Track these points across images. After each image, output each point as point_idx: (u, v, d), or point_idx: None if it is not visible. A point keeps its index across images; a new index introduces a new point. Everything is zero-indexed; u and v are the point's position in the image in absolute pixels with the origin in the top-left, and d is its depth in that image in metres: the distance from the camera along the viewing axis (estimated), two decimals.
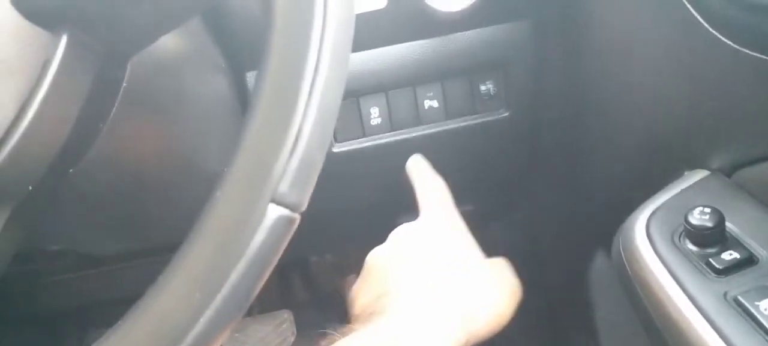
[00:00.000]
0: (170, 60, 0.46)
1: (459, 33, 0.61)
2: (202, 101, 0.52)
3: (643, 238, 0.44)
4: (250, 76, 0.62)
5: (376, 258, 0.51)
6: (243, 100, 0.61)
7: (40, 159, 0.30)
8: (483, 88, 0.65)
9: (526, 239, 0.91)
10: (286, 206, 0.24)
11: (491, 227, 0.85)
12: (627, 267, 0.44)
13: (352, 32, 0.25)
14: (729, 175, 0.45)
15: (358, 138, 0.64)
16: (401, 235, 0.52)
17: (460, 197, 0.58)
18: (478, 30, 0.62)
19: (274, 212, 0.24)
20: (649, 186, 0.48)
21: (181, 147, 0.49)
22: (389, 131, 0.65)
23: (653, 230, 0.44)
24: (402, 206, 0.59)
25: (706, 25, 0.41)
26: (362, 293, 0.50)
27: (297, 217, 0.25)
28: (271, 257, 0.25)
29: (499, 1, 0.59)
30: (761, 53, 0.38)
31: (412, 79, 0.63)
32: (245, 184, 0.24)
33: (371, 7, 0.57)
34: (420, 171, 0.60)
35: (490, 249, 0.53)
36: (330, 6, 0.24)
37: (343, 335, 0.44)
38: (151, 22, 0.31)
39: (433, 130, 0.66)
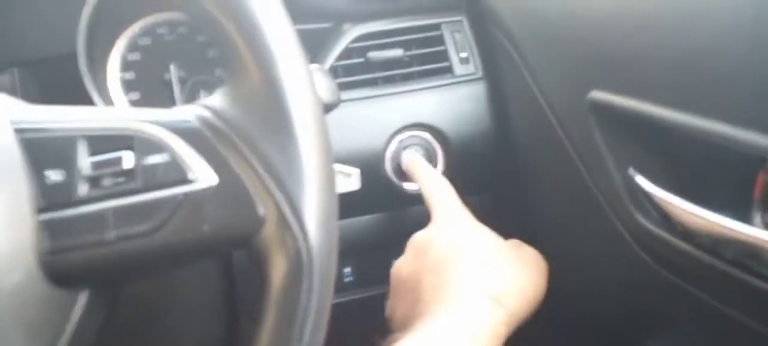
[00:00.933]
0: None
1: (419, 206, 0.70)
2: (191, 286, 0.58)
3: None
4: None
5: (400, 270, 0.53)
6: (228, 279, 0.68)
7: None
8: None
9: None
10: None
11: None
12: None
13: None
14: None
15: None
16: (420, 241, 0.53)
17: None
18: None
19: None
20: None
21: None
22: (360, 287, 0.72)
23: None
24: None
25: (637, 247, 0.49)
26: (397, 308, 0.52)
27: None
28: None
29: (459, 180, 0.68)
30: (664, 270, 0.46)
31: (381, 243, 0.71)
32: None
33: (347, 189, 0.66)
34: (422, 172, 0.62)
35: None
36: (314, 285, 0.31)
37: None
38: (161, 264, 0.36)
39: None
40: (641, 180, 0.46)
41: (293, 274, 0.30)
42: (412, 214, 0.71)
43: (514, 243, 0.54)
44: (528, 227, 0.68)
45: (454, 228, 0.53)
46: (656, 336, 0.53)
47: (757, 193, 0.37)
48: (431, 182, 0.59)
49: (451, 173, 0.67)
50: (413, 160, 0.64)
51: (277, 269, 0.31)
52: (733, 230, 0.37)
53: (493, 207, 0.73)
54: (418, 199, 0.69)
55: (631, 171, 0.47)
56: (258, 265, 0.32)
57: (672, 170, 0.45)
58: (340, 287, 0.72)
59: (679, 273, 0.45)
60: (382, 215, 0.70)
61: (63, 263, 0.29)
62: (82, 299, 0.31)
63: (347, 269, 0.72)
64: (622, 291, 0.55)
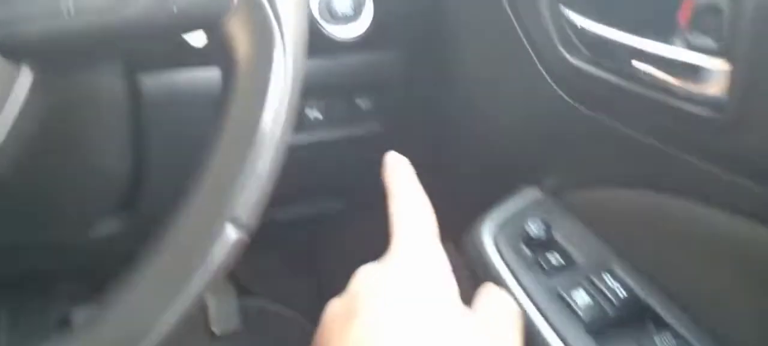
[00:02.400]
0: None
1: (345, 56, 0.70)
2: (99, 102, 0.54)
3: (490, 241, 0.55)
4: (144, 77, 0.64)
5: (332, 314, 0.39)
6: (136, 101, 0.64)
7: None
8: (361, 104, 0.74)
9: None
10: (240, 227, 0.30)
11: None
12: (475, 264, 0.55)
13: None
14: (557, 195, 0.57)
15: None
16: (362, 280, 0.39)
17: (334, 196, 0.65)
18: (360, 54, 0.70)
19: (231, 232, 0.30)
20: (494, 196, 0.60)
21: (78, 145, 0.51)
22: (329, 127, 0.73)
23: (498, 236, 0.55)
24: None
25: (549, 79, 0.52)
26: None
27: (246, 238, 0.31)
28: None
29: (383, 33, 0.68)
30: (582, 105, 0.50)
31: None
32: (208, 207, 0.30)
33: None
34: (399, 183, 0.45)
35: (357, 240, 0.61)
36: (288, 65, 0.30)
37: None
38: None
39: (314, 139, 0.73)
40: (573, 15, 0.48)
41: (263, 47, 0.29)
42: (335, 64, 0.70)
43: (484, 316, 0.40)
44: (449, 78, 0.71)
45: (408, 274, 0.39)
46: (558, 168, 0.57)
47: (683, 19, 0.41)
48: (405, 200, 0.44)
49: (376, 25, 0.67)
50: (393, 162, 0.47)
51: (246, 46, 0.29)
52: (660, 53, 0.41)
53: (412, 63, 0.73)
54: (344, 49, 0.68)
55: (563, 7, 0.49)
56: (225, 47, 0.30)
57: (603, 4, 0.48)
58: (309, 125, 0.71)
59: (598, 106, 0.49)
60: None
61: (19, 34, 0.27)
62: (28, 78, 0.29)
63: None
64: (534, 130, 0.59)
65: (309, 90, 0.69)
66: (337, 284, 0.41)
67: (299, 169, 0.68)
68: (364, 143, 0.76)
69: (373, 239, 0.61)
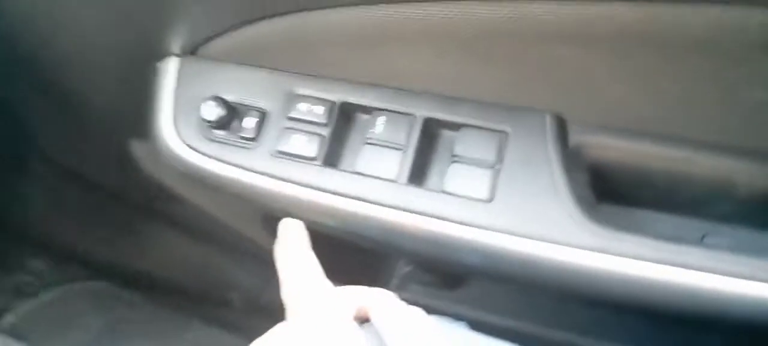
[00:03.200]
0: None
1: None
2: None
3: (174, 138, 0.50)
4: None
5: None
6: None
7: None
8: None
9: None
10: None
11: None
12: (173, 164, 0.51)
13: None
14: (194, 53, 0.53)
15: None
16: None
17: None
18: None
19: None
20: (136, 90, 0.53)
21: None
22: None
23: (179, 127, 0.51)
24: None
25: None
26: None
27: None
28: None
29: None
30: None
31: None
32: None
33: None
34: (289, 262, 0.47)
35: None
36: None
37: None
38: None
39: None
40: None
41: None
42: None
43: None
44: None
45: None
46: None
47: None
48: (293, 268, 0.45)
49: None
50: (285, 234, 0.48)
51: None
52: None
53: None
54: None
55: None
56: None
57: None
58: None
59: None
60: None
61: None
62: None
63: None
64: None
65: None
66: None
67: None
68: None
69: None
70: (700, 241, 0.45)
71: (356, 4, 0.41)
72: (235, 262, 0.98)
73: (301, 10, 0.44)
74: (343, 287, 0.44)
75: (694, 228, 0.46)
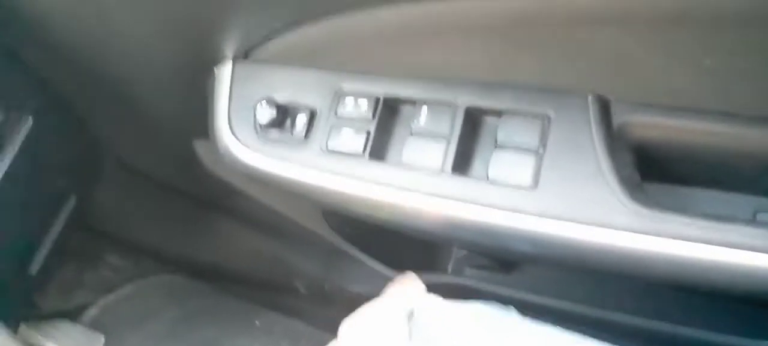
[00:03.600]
0: None
1: None
2: None
3: (231, 139, 0.53)
4: None
5: None
6: None
7: None
8: None
9: None
10: None
11: None
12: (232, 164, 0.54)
13: None
14: (247, 57, 0.56)
15: None
16: None
17: None
18: None
19: None
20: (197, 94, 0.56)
21: None
22: None
23: (236, 128, 0.54)
24: None
25: None
26: None
27: None
28: None
29: None
30: None
31: None
32: None
33: None
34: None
35: None
36: None
37: None
38: None
39: None
40: None
41: None
42: None
43: None
44: None
45: None
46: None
47: None
48: None
49: None
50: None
51: None
52: None
53: None
54: None
55: None
56: None
57: None
58: None
59: None
60: None
61: None
62: None
63: None
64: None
65: None
66: None
67: None
68: None
69: None
70: (752, 218, 0.44)
71: (395, 2, 0.42)
72: (299, 252, 1.02)
73: (345, 11, 0.46)
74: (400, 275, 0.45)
75: (745, 204, 0.45)
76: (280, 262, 1.03)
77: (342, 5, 0.45)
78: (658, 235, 0.40)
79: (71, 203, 0.79)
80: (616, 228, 0.41)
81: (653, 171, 0.46)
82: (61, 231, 0.78)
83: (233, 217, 0.97)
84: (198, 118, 0.60)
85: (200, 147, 0.76)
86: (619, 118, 0.44)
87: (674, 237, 0.39)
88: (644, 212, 0.40)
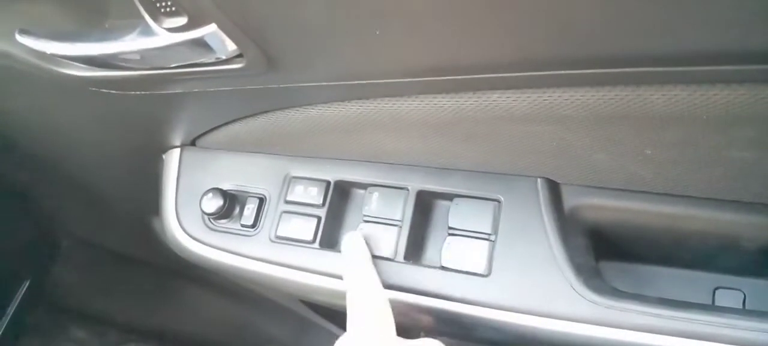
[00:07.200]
0: None
1: None
2: None
3: (177, 228, 0.52)
4: None
5: None
6: None
7: None
8: None
9: None
10: None
11: None
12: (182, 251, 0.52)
13: None
14: (195, 144, 0.54)
15: None
16: None
17: None
18: None
19: None
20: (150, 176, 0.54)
21: None
22: None
23: (183, 219, 0.52)
24: None
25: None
26: None
27: None
28: None
29: None
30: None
31: None
32: None
33: None
34: (354, 269, 0.44)
35: None
36: None
37: None
38: None
39: None
40: None
41: None
42: None
43: None
44: None
45: None
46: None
47: None
48: (358, 283, 0.43)
49: None
50: (349, 246, 0.45)
51: None
52: None
53: None
54: None
55: None
56: None
57: None
58: None
59: None
60: None
61: None
62: None
63: None
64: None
65: None
66: None
67: None
68: None
69: None
70: (711, 296, 0.44)
71: (331, 102, 0.41)
72: (268, 317, 0.99)
73: (286, 108, 0.45)
74: None
75: (705, 281, 0.44)
76: (250, 328, 1.00)
77: (279, 103, 0.44)
78: (613, 326, 0.39)
79: (25, 284, 0.76)
80: (571, 319, 0.40)
81: (610, 251, 0.45)
82: (14, 312, 0.76)
83: (198, 284, 0.95)
84: (153, 196, 0.58)
85: (158, 223, 0.74)
86: (570, 201, 0.43)
87: (630, 328, 0.38)
88: (599, 300, 0.39)
